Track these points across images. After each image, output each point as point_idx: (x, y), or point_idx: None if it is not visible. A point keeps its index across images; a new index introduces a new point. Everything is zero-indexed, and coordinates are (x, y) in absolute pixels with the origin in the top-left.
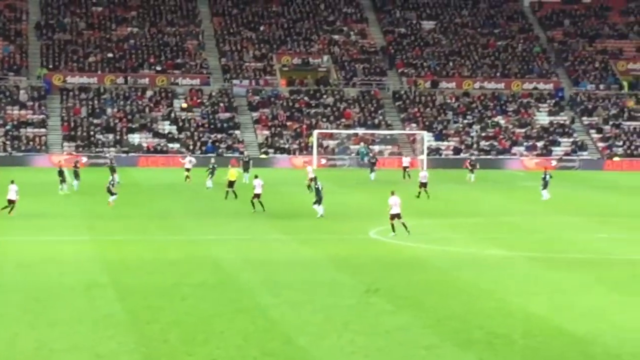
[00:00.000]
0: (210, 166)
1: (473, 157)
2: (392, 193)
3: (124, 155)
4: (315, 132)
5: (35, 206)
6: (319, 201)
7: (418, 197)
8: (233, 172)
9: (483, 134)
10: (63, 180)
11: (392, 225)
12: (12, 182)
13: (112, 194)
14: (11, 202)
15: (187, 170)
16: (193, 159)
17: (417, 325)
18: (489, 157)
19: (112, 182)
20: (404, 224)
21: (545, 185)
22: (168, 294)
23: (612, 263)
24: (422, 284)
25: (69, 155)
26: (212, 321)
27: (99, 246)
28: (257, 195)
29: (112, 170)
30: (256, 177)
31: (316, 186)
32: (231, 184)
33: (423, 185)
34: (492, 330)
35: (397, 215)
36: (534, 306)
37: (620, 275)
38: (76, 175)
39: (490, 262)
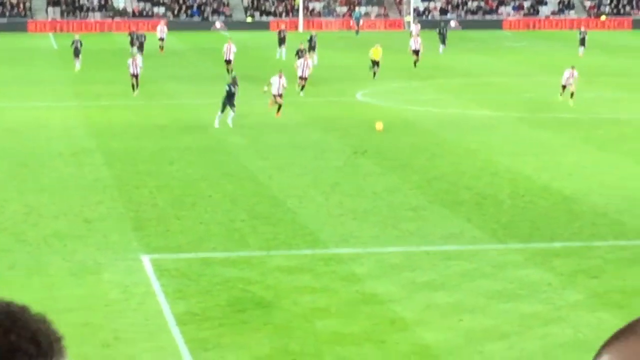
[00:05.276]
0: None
1: (583, 29)
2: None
3: (109, 20)
4: None
5: (21, 72)
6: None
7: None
8: (377, 51)
9: None
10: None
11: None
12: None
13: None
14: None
15: (161, 40)
16: (165, 28)
17: (405, 187)
18: (475, 17)
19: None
20: (280, 106)
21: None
22: (155, 159)
23: (599, 122)
24: (410, 146)
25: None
26: (199, 185)
27: (85, 112)
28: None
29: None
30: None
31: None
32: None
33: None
34: (479, 191)
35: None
36: (521, 166)
37: (607, 134)
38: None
39: (477, 122)
